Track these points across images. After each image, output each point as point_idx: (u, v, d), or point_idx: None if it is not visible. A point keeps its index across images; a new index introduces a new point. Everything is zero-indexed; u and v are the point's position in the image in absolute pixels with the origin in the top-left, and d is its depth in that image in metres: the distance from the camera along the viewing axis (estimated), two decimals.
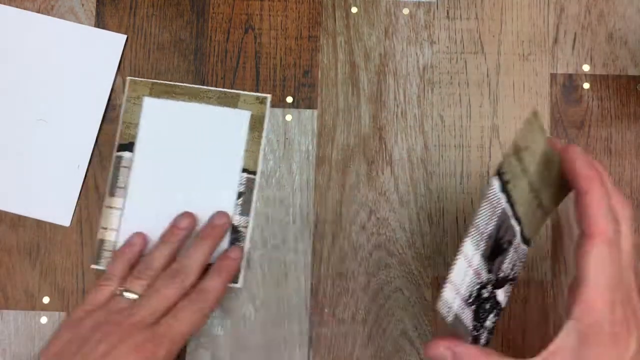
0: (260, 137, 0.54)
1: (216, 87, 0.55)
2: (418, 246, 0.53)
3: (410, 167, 0.54)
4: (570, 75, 0.56)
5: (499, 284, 0.41)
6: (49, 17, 0.56)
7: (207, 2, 0.57)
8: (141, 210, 0.53)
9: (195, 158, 0.53)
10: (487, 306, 0.41)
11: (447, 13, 0.56)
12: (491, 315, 0.41)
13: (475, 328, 0.40)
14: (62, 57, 0.56)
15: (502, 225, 0.39)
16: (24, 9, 0.56)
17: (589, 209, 0.37)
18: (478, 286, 0.39)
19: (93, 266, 0.53)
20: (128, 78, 0.55)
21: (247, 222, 0.53)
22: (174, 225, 0.52)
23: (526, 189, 0.40)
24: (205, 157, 0.54)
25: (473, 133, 0.55)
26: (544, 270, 0.53)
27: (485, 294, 0.40)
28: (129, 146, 0.54)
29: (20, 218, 0.54)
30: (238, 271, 0.52)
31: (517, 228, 0.41)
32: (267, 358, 0.52)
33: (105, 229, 0.53)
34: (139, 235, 0.52)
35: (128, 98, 0.54)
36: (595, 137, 0.55)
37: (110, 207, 0.53)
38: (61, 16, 0.56)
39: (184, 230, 0.51)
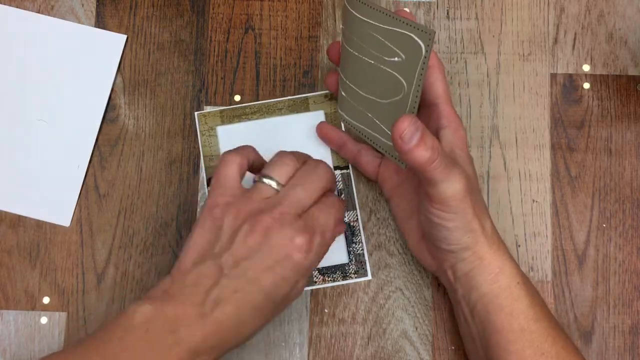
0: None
1: (216, 86, 0.55)
2: None
3: None
4: (570, 75, 0.56)
5: None
6: (49, 17, 0.56)
7: (207, 2, 0.57)
8: None
9: None
10: None
11: (447, 13, 0.56)
12: None
13: None
14: (62, 57, 0.56)
15: None
16: (24, 9, 0.56)
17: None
18: None
19: None
20: (196, 113, 0.54)
21: (356, 216, 0.53)
22: None
23: None
24: None
25: (473, 133, 0.55)
26: (544, 270, 0.53)
27: None
28: None
29: (20, 218, 0.54)
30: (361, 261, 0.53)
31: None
32: (267, 358, 0.52)
33: None
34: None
35: (202, 132, 0.54)
36: (595, 137, 0.55)
37: None
38: (61, 16, 0.56)
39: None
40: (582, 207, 0.54)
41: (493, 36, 0.56)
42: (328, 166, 0.48)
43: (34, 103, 0.55)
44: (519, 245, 0.53)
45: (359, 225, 0.53)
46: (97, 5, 0.57)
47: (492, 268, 0.46)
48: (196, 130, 0.55)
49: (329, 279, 0.53)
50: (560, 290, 0.53)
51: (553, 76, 0.56)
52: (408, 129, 0.41)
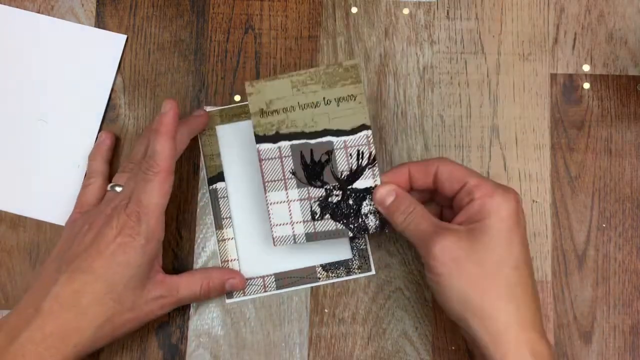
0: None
1: (216, 86, 0.55)
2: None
3: None
4: (570, 75, 0.56)
5: (348, 181, 0.50)
6: (49, 17, 0.56)
7: (207, 2, 0.57)
8: (252, 231, 0.54)
9: None
10: (351, 202, 0.50)
11: (447, 13, 0.56)
12: (365, 202, 0.50)
13: (348, 223, 0.50)
14: (62, 57, 0.56)
15: (303, 155, 0.50)
16: (24, 9, 0.56)
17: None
18: (317, 203, 0.50)
19: (228, 301, 0.53)
20: (206, 109, 0.54)
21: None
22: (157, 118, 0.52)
23: (303, 115, 0.49)
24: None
25: (473, 133, 0.55)
26: (544, 270, 0.53)
27: (335, 198, 0.50)
28: (219, 176, 0.54)
29: (20, 218, 0.54)
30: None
31: (325, 139, 0.49)
32: (267, 358, 0.52)
33: (227, 261, 0.53)
34: (105, 133, 0.54)
35: (201, 131, 0.54)
36: (595, 137, 0.55)
37: (224, 240, 0.53)
38: (61, 16, 0.56)
39: None
40: (582, 207, 0.54)
41: (493, 36, 0.56)
42: (157, 148, 0.48)
43: (34, 103, 0.55)
44: None
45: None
46: (97, 5, 0.57)
47: None
48: None
49: (333, 274, 0.53)
50: (560, 290, 0.53)
51: (553, 76, 0.56)
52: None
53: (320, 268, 0.53)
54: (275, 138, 0.50)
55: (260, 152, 0.50)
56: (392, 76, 0.56)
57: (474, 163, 0.54)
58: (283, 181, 0.50)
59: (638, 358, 0.52)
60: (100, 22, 0.56)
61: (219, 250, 0.53)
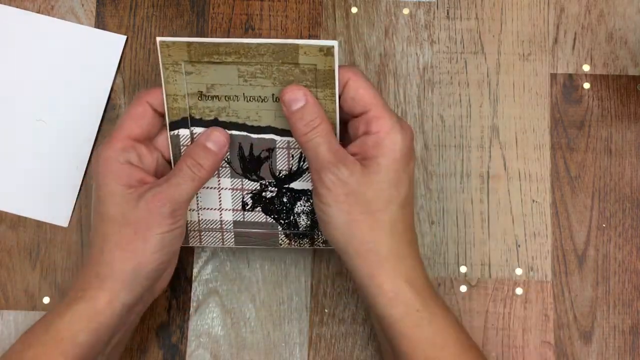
0: (333, 95, 0.45)
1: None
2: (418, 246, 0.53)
3: None
4: (570, 75, 0.56)
5: (285, 180, 0.49)
6: (49, 17, 0.56)
7: (207, 2, 0.57)
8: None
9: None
10: (285, 199, 0.50)
11: (447, 13, 0.56)
12: (300, 202, 0.50)
13: (279, 219, 0.50)
14: (62, 57, 0.56)
15: (241, 147, 0.48)
16: (24, 9, 0.56)
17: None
18: (250, 195, 0.50)
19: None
20: (158, 39, 0.44)
21: None
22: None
23: (247, 107, 0.47)
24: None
25: (473, 133, 0.55)
26: (544, 270, 0.53)
27: (269, 194, 0.50)
28: (182, 122, 0.47)
29: (20, 218, 0.54)
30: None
31: (268, 136, 0.48)
32: (267, 358, 0.52)
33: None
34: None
35: (165, 65, 0.45)
36: (595, 137, 0.55)
37: None
38: (61, 16, 0.56)
39: None
40: (582, 207, 0.54)
41: (493, 36, 0.56)
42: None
43: (34, 103, 0.55)
44: (519, 245, 0.53)
45: None
46: (97, 5, 0.57)
47: (385, 291, 0.43)
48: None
49: (295, 244, 0.51)
50: (560, 290, 0.53)
51: (553, 76, 0.56)
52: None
53: (283, 236, 0.51)
54: (213, 124, 0.47)
55: (195, 136, 0.47)
56: (392, 76, 0.56)
57: (474, 163, 0.54)
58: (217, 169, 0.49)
59: (638, 358, 0.52)
60: (100, 22, 0.56)
61: None
